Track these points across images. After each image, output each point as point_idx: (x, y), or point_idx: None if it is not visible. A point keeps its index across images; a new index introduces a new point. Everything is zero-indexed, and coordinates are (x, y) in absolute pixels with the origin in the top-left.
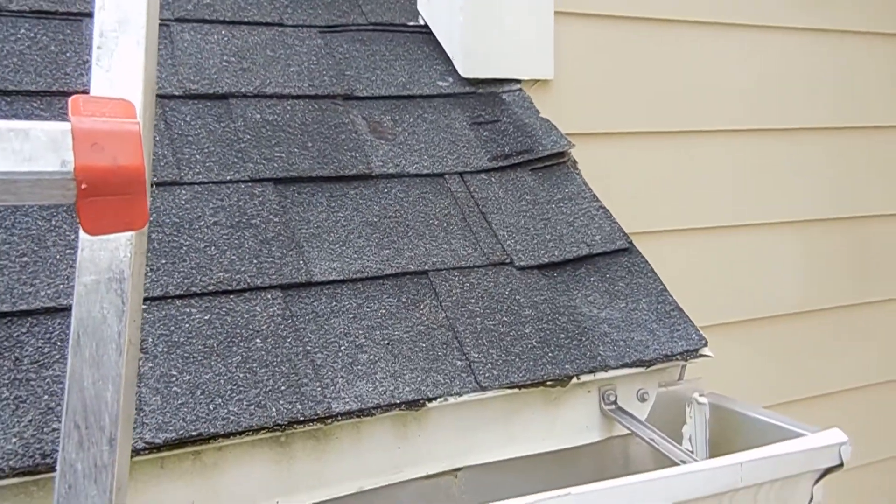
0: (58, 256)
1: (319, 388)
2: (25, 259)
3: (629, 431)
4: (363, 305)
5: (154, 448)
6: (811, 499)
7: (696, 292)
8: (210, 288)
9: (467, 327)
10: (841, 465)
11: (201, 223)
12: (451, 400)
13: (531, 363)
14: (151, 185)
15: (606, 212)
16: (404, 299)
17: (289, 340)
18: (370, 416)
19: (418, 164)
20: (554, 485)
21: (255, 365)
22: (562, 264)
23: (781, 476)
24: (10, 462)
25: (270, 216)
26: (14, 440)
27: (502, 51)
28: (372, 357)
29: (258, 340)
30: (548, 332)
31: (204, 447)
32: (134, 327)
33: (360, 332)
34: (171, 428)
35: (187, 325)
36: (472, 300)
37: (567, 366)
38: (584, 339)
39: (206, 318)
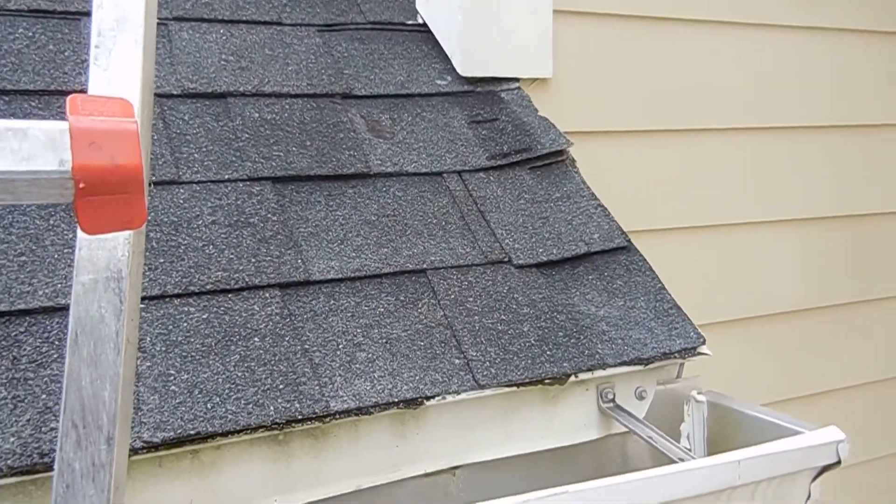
0: (56, 256)
1: (318, 387)
2: (23, 258)
3: (627, 429)
4: (361, 304)
5: (152, 447)
6: (809, 496)
7: (694, 290)
8: (208, 287)
9: (465, 326)
10: (838, 462)
11: (199, 222)
12: (450, 398)
13: (529, 361)
14: (149, 185)
15: (605, 210)
16: (402, 298)
17: (287, 339)
18: (368, 414)
19: (417, 163)
20: (552, 482)
21: (253, 364)
22: (560, 263)
23: (779, 474)
24: (9, 461)
25: (269, 215)
26: (12, 439)
27: (501, 49)
28: (370, 356)
29: (256, 339)
30: (546, 330)
31: (202, 446)
32: (132, 326)
33: (359, 330)
34: (169, 427)
35: (185, 325)
36: (471, 299)
37: (565, 364)
38: (582, 337)
39: (205, 317)
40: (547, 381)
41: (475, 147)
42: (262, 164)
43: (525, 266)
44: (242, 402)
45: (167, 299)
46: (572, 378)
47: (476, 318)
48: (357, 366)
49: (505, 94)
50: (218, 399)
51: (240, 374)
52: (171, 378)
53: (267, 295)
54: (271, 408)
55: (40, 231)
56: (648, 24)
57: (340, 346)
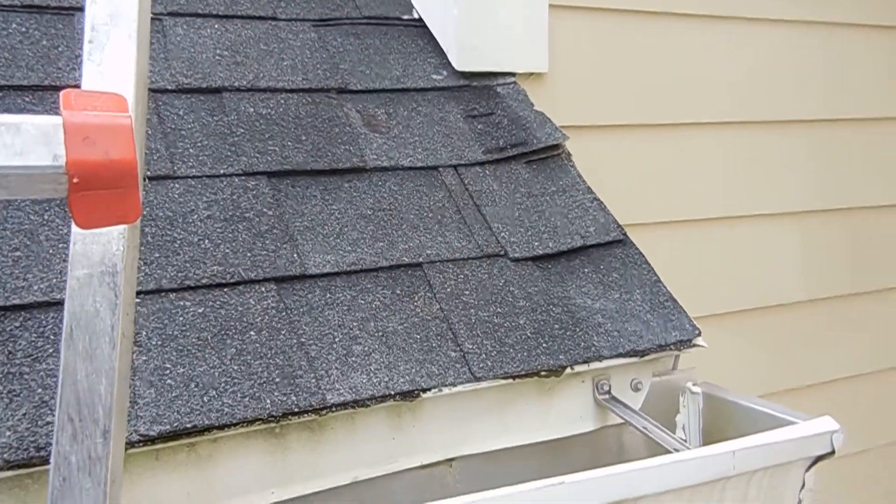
0: (51, 251)
1: (314, 380)
2: (18, 253)
3: (623, 421)
4: (357, 298)
5: (149, 440)
6: (803, 486)
7: (689, 283)
8: (204, 281)
9: (461, 319)
10: (832, 452)
11: (195, 217)
12: (446, 391)
13: (525, 354)
14: (144, 179)
15: (600, 203)
16: (399, 291)
17: (283, 333)
18: (365, 407)
19: (412, 158)
20: (548, 474)
21: (249, 357)
22: (556, 256)
23: (773, 463)
24: (5, 455)
25: (264, 209)
26: (8, 433)
27: (496, 44)
28: (366, 349)
29: (252, 333)
30: (542, 322)
31: (199, 439)
32: (127, 321)
33: (355, 324)
34: (165, 420)
35: (181, 319)
36: (467, 292)
37: (561, 356)
38: (578, 329)
39: (200, 311)
40: (543, 373)
41: (471, 141)
42: (258, 159)
43: (521, 259)
44: (239, 395)
45: (163, 294)
46: (568, 370)
47: (472, 311)
48: (353, 359)
49: (501, 88)
50: (214, 392)
51: (236, 367)
52: (168, 372)
53: (263, 289)
54: (267, 401)
55: (35, 226)
56: (642, 18)
57: (337, 340)
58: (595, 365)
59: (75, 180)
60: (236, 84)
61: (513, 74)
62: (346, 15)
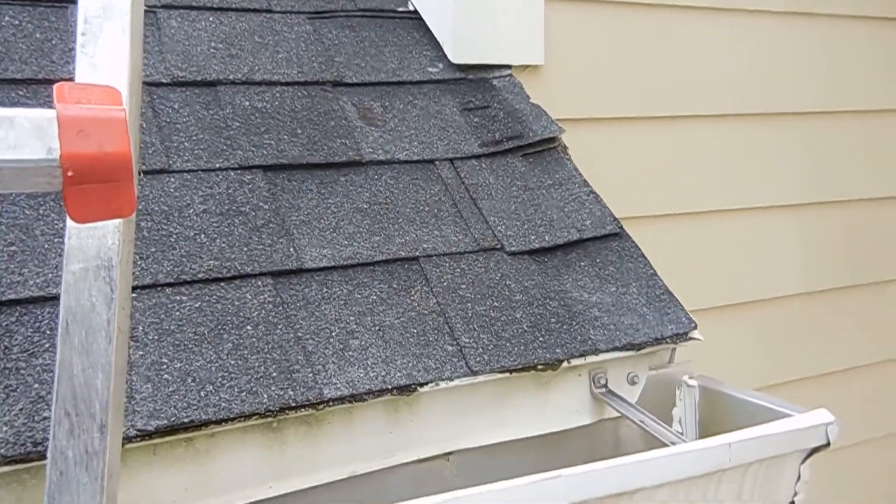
0: (46, 245)
1: (311, 375)
2: (13, 248)
3: (620, 414)
4: (354, 292)
5: (146, 435)
6: (799, 478)
7: (685, 276)
8: (200, 276)
9: (458, 313)
10: (828, 444)
11: (191, 211)
12: (443, 385)
13: (522, 348)
14: (139, 173)
15: (597, 197)
16: (395, 285)
17: (280, 327)
18: (362, 401)
19: (408, 151)
20: (546, 467)
21: (246, 352)
22: (552, 249)
23: (769, 456)
24: (2, 451)
25: (260, 203)
26: (5, 429)
27: (492, 36)
28: (363, 343)
29: (249, 327)
30: (538, 316)
31: (196, 434)
32: (123, 315)
33: (352, 318)
34: (162, 415)
35: (178, 313)
36: (463, 286)
37: (558, 350)
38: (574, 323)
39: (197, 305)
40: (540, 366)
41: (467, 134)
42: (253, 153)
43: (517, 253)
44: (236, 389)
45: (159, 288)
46: (565, 364)
47: (469, 305)
48: (350, 353)
49: (497, 81)
50: (211, 387)
51: (233, 362)
52: (164, 367)
53: (259, 283)
54: (265, 395)
55: (30, 221)
56: (638, 10)
57: (333, 334)
58: (591, 358)
59: (70, 174)
60: (231, 77)
61: (509, 67)
62: (341, 7)
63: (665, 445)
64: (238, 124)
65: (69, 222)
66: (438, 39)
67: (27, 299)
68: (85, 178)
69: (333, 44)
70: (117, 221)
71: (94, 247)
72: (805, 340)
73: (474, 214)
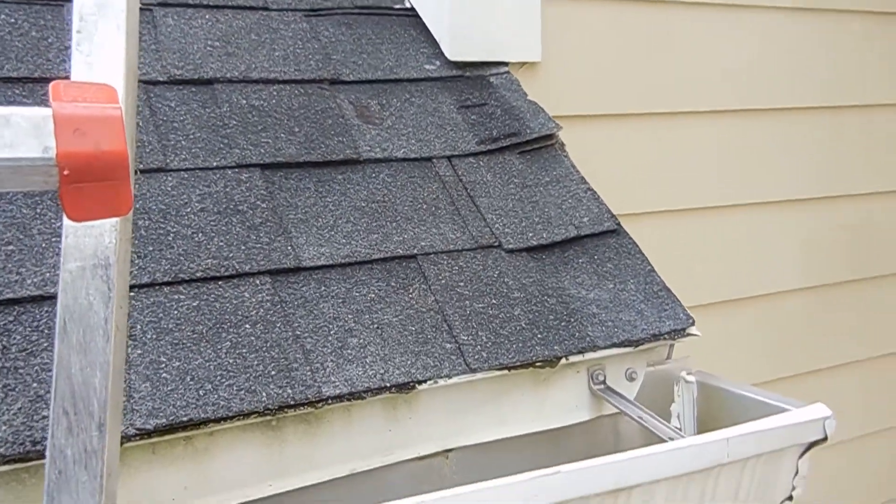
0: (43, 244)
1: (310, 373)
2: (11, 247)
3: (618, 410)
4: (352, 290)
5: (145, 434)
6: (797, 472)
7: (683, 272)
8: (198, 274)
9: (456, 310)
10: (825, 438)
11: (188, 210)
12: (441, 382)
13: (520, 345)
14: (136, 172)
15: (594, 193)
16: (393, 283)
17: (278, 326)
18: (361, 399)
19: (406, 149)
20: (545, 463)
21: (244, 350)
22: (550, 246)
23: (767, 450)
24: (1, 450)
25: (258, 202)
26: (4, 428)
27: (489, 34)
28: (362, 341)
29: (247, 326)
30: (536, 313)
31: (195, 432)
32: (121, 313)
33: (350, 316)
34: (161, 414)
35: (176, 312)
36: (461, 283)
37: (556, 347)
38: (572, 319)
39: (195, 304)
40: (538, 363)
41: (464, 132)
42: (251, 151)
43: (515, 250)
44: (234, 388)
45: (157, 287)
46: (563, 361)
47: (467, 302)
48: (349, 351)
49: (494, 78)
50: (210, 386)
51: (231, 360)
52: (163, 365)
53: (257, 282)
54: (263, 394)
55: (27, 219)
56: (637, 5)
57: (332, 332)
58: (590, 355)
59: (66, 172)
60: (228, 75)
61: (506, 64)
62: (337, 5)
63: (663, 441)
64: (235, 123)
65: (66, 221)
66: (435, 37)
67: (25, 298)
68: (81, 177)
69: (330, 41)
70: (114, 220)
71: (92, 245)
72: (803, 335)
73: (472, 212)
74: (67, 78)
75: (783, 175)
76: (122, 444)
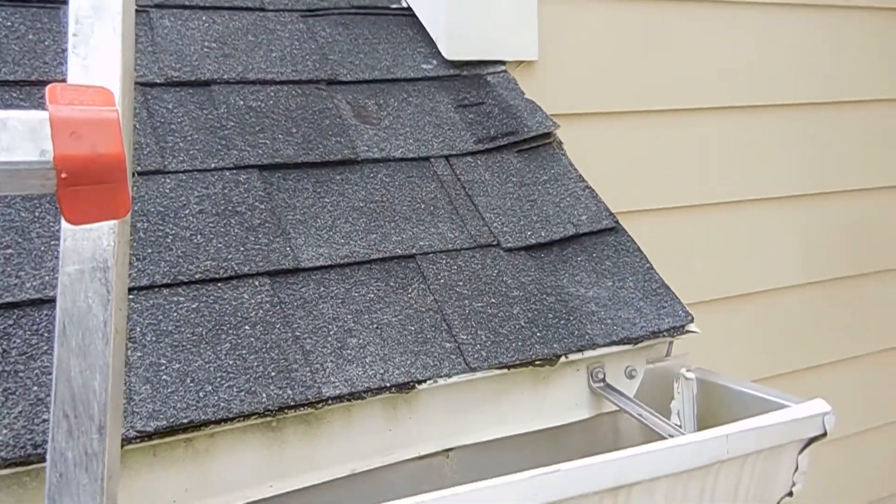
0: (42, 248)
1: (309, 373)
2: (10, 251)
3: (618, 408)
4: (351, 290)
5: (145, 436)
6: (797, 468)
7: (682, 270)
8: (197, 276)
9: (455, 310)
10: (824, 434)
11: (186, 211)
12: (441, 382)
13: (520, 343)
14: (133, 174)
15: (592, 192)
16: (392, 283)
17: (277, 327)
18: (361, 399)
19: (404, 148)
20: (545, 462)
21: (244, 352)
22: (549, 245)
23: (766, 447)
24: (2, 453)
25: (256, 203)
26: (5, 431)
27: (486, 32)
28: (361, 341)
29: (247, 327)
30: (536, 312)
31: (195, 434)
32: (120, 316)
33: (349, 316)
34: (161, 416)
35: (175, 314)
36: (460, 283)
37: (555, 345)
38: (571, 318)
39: (194, 306)
40: (537, 362)
41: (462, 131)
42: (249, 152)
43: (514, 249)
44: (234, 389)
45: (156, 289)
46: (562, 359)
47: (466, 301)
48: (348, 352)
49: (491, 77)
50: (210, 387)
51: (231, 362)
52: (163, 367)
53: (256, 283)
54: (263, 395)
55: (26, 223)
56: (633, 4)
57: (331, 333)
58: (589, 353)
59: (63, 175)
60: (225, 77)
61: (503, 63)
62: (334, 5)
63: (663, 438)
64: (233, 124)
65: (64, 224)
66: (432, 36)
67: (24, 302)
68: (79, 180)
69: (327, 42)
70: (112, 223)
71: (90, 248)
72: (802, 332)
73: (470, 211)
74: (64, 81)
75: (781, 171)
76: (122, 446)
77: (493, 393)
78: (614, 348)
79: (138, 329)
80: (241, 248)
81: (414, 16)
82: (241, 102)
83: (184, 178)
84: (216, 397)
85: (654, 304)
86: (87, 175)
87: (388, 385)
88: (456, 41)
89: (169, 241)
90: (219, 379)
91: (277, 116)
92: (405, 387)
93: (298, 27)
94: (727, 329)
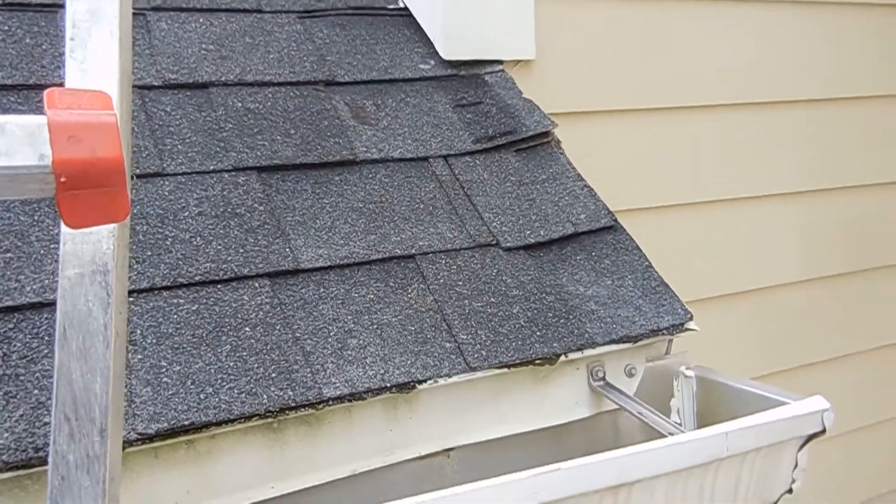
0: (42, 251)
1: (310, 374)
2: (9, 255)
3: (618, 406)
4: (351, 291)
5: (147, 438)
6: (796, 465)
7: (681, 267)
8: (197, 278)
9: (455, 309)
10: (824, 430)
11: (186, 214)
12: (441, 381)
13: (519, 343)
14: (132, 177)
15: (591, 190)
16: (392, 284)
17: (278, 328)
18: (361, 399)
19: (402, 149)
20: (546, 460)
21: (244, 353)
22: (548, 244)
23: (766, 444)
24: (3, 457)
25: (255, 205)
26: (6, 435)
27: (483, 32)
28: (361, 342)
29: (247, 329)
30: (535, 311)
31: (197, 436)
32: (120, 319)
33: (349, 317)
34: (163, 418)
35: (175, 316)
36: (460, 282)
37: (555, 344)
38: (571, 317)
39: (194, 308)
40: (537, 361)
41: (460, 131)
42: (247, 154)
43: (513, 248)
44: (235, 391)
45: (156, 292)
46: (562, 358)
47: (465, 301)
48: (349, 352)
49: (489, 76)
50: (211, 389)
51: (232, 363)
52: (164, 370)
53: (256, 285)
54: (264, 396)
55: (25, 227)
56: (631, 3)
57: (331, 334)
58: (589, 352)
59: (62, 179)
60: (223, 79)
61: (500, 62)
62: (331, 6)
63: (663, 436)
64: (231, 126)
65: (64, 228)
66: (429, 36)
67: (25, 305)
68: (78, 184)
69: (325, 43)
70: (112, 226)
71: (90, 252)
72: (798, 329)
73: (469, 211)
74: (62, 84)
75: (779, 169)
76: (124, 448)
77: (494, 392)
78: (614, 347)
79: (139, 331)
80: (241, 250)
81: (411, 16)
82: (240, 104)
83: (182, 180)
84: (217, 399)
85: (653, 303)
86: (87, 179)
87: (388, 385)
88: (453, 41)
89: (168, 243)
90: (219, 381)
91: (276, 118)
92: (405, 387)
93: (296, 28)
94: (723, 327)
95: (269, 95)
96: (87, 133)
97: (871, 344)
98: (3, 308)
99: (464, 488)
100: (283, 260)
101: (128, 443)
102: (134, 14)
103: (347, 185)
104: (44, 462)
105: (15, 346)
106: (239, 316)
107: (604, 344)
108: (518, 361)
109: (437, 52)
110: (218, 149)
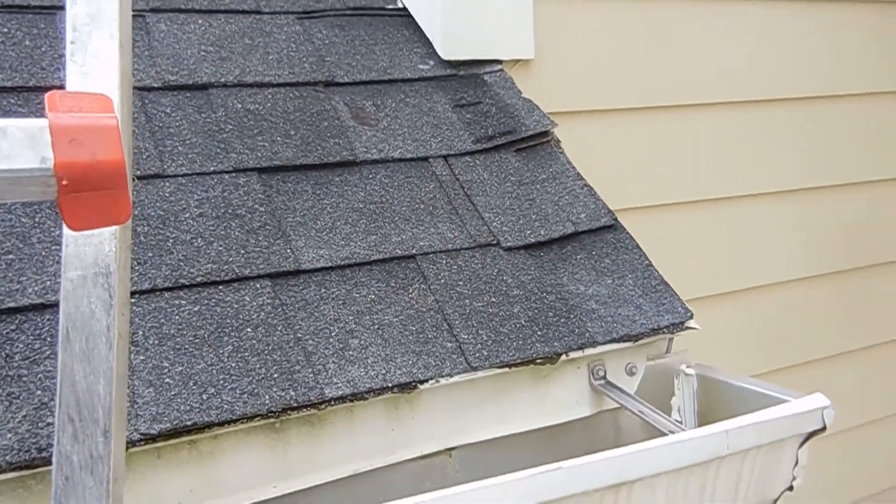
0: (43, 253)
1: (312, 375)
2: (11, 257)
3: (619, 405)
4: (352, 291)
5: (150, 439)
6: (797, 462)
7: (681, 266)
8: (198, 279)
9: (456, 309)
10: (824, 428)
11: (186, 215)
12: (443, 381)
13: (520, 342)
14: (133, 179)
15: (591, 189)
16: (393, 284)
17: (279, 329)
18: (363, 399)
19: (402, 149)
20: (547, 459)
21: (246, 354)
22: (548, 243)
23: (766, 441)
24: (7, 457)
25: (256, 206)
26: (9, 436)
27: (482, 32)
28: (363, 342)
29: (249, 330)
30: (536, 310)
31: (199, 436)
32: (122, 320)
33: (351, 317)
34: (165, 419)
35: (177, 317)
36: (461, 282)
37: (556, 343)
38: (571, 316)
39: (196, 309)
40: (538, 360)
41: (460, 131)
42: (248, 155)
43: (513, 248)
44: (237, 391)
45: (158, 293)
46: (563, 357)
47: (466, 301)
48: (350, 352)
49: (488, 76)
50: (213, 390)
51: (234, 364)
52: (166, 371)
53: (258, 285)
54: (266, 396)
55: (26, 229)
56: (629, 2)
57: (333, 334)
58: (590, 351)
59: (64, 182)
60: (223, 80)
61: (499, 62)
62: (330, 6)
63: (664, 435)
64: (231, 127)
65: (66, 230)
66: (428, 36)
67: (27, 307)
68: (79, 187)
69: (324, 43)
70: (114, 228)
71: (92, 254)
72: (802, 326)
73: (469, 211)
74: (62, 86)
75: (778, 166)
76: (127, 449)
77: (495, 392)
78: (615, 346)
79: (141, 333)
80: (242, 251)
81: (410, 16)
82: (239, 105)
83: (183, 181)
84: (219, 399)
85: (653, 301)
86: (88, 182)
87: (390, 385)
88: (452, 41)
89: (169, 244)
90: (221, 381)
91: (276, 119)
92: (407, 387)
93: (295, 29)
94: (723, 325)
95: (269, 96)
96: (89, 136)
97: (871, 341)
98: (5, 309)
99: (465, 487)
100: (285, 261)
101: (131, 443)
102: (133, 15)
103: (348, 186)
104: (47, 462)
105: (17, 347)
106: (240, 317)
107: (604, 343)
108: (519, 361)
109: (436, 52)
110: (218, 150)
